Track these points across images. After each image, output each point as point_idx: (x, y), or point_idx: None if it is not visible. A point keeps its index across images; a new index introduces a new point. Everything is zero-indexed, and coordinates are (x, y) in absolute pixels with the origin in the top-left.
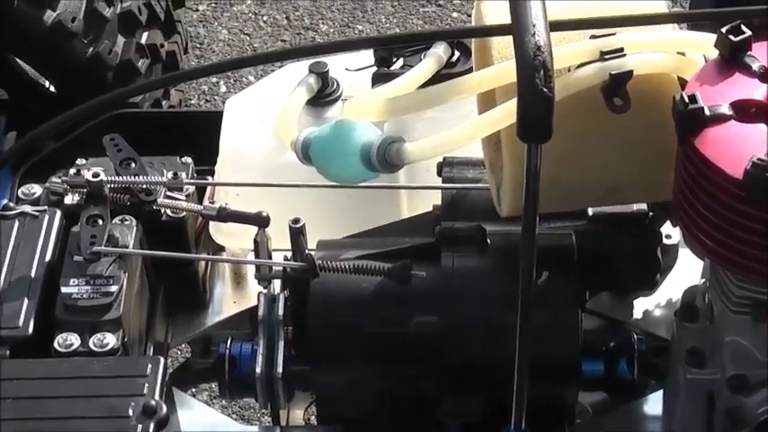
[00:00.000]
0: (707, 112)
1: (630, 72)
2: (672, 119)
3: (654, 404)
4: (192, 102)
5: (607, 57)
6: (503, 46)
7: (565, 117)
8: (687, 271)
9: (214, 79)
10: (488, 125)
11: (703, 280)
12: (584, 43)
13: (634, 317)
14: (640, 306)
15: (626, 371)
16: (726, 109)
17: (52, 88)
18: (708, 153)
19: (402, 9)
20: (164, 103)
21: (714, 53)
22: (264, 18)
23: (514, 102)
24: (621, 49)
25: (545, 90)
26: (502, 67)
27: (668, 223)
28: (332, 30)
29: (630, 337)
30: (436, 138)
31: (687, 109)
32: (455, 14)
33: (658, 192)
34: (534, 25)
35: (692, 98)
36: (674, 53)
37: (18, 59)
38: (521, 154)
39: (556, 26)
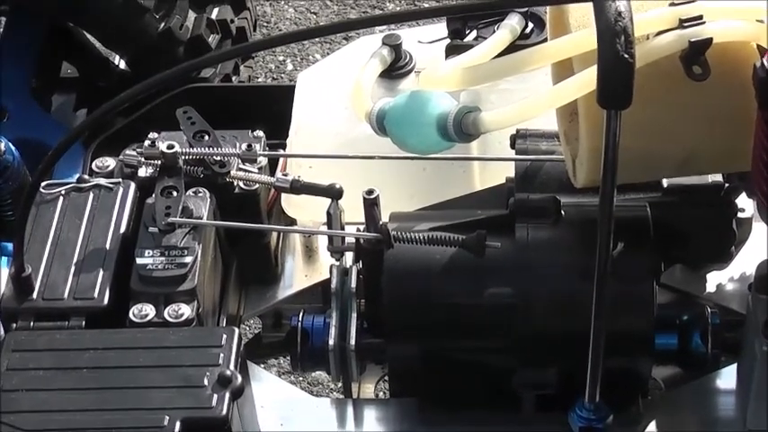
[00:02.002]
0: None
1: (710, 40)
2: (751, 87)
3: (727, 378)
4: (259, 79)
5: (686, 24)
6: (580, 14)
7: (643, 85)
8: (761, 245)
9: (281, 57)
10: (567, 93)
11: None
12: (664, 11)
13: (707, 291)
14: (713, 280)
15: (699, 344)
16: None
17: (122, 65)
18: None
19: None
20: (233, 78)
21: None
22: None
23: (593, 70)
24: (701, 17)
25: (626, 56)
26: (580, 34)
27: (742, 196)
28: (398, 8)
29: (704, 311)
30: (513, 107)
31: None
32: None
33: (737, 162)
34: None
35: None
36: (754, 21)
37: (88, 35)
38: (599, 123)
39: None
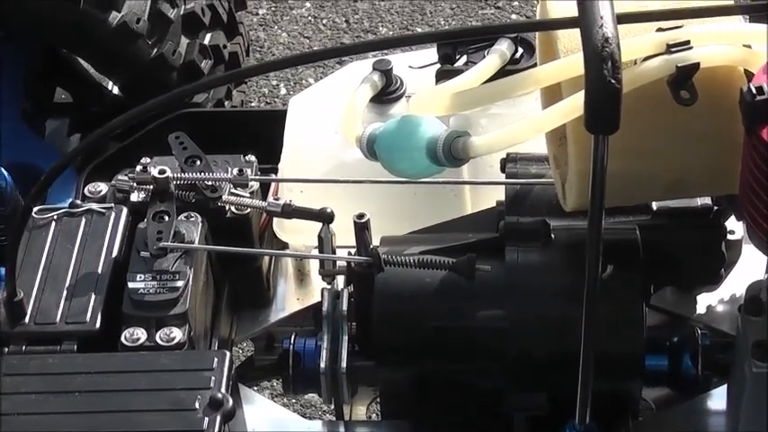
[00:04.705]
0: None
1: (697, 64)
2: (738, 111)
3: (718, 399)
4: (253, 104)
5: (673, 49)
6: (569, 40)
7: (631, 110)
8: (750, 267)
9: (274, 82)
10: (555, 118)
11: None
12: (651, 36)
13: (697, 312)
14: (704, 302)
15: (690, 366)
16: None
17: (115, 90)
18: None
19: (461, 11)
20: (226, 103)
21: None
22: (324, 21)
23: (581, 95)
24: (688, 42)
25: (613, 81)
26: (568, 60)
27: (732, 218)
28: (391, 32)
29: (694, 333)
30: (502, 131)
31: (754, 100)
32: (514, 16)
33: (725, 185)
34: (602, 17)
35: (760, 89)
36: (741, 46)
37: (82, 61)
38: (587, 147)
39: (623, 18)
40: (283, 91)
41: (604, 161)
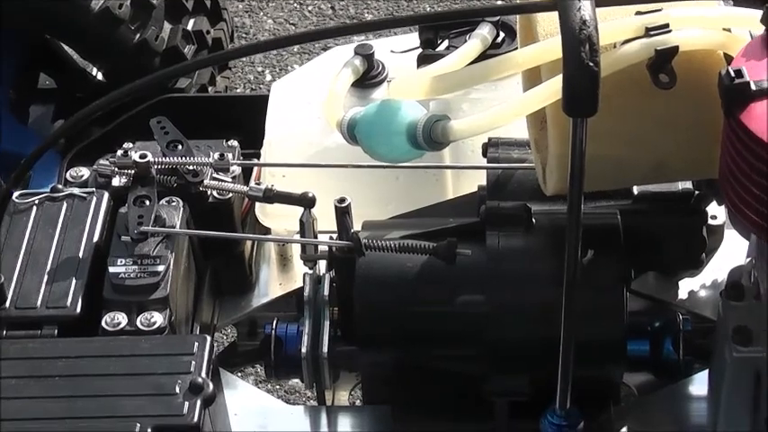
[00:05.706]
0: (753, 86)
1: (676, 48)
2: (718, 95)
3: (699, 385)
4: (238, 90)
5: (652, 33)
6: (548, 23)
7: (610, 93)
8: (732, 253)
9: (260, 68)
10: (534, 102)
11: (749, 258)
12: (630, 19)
13: (679, 297)
14: (685, 287)
15: (671, 351)
16: None
17: (99, 76)
18: (753, 127)
19: None
20: (210, 89)
21: (760, 29)
22: (310, 8)
23: (560, 78)
24: (667, 25)
25: (591, 64)
26: (547, 43)
27: (714, 204)
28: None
29: (676, 318)
30: (482, 115)
31: (733, 84)
32: (499, 3)
33: (705, 169)
34: (580, 0)
35: (738, 73)
36: (720, 29)
37: (65, 47)
38: (566, 131)
39: (601, 1)
40: (269, 77)
41: (583, 144)
